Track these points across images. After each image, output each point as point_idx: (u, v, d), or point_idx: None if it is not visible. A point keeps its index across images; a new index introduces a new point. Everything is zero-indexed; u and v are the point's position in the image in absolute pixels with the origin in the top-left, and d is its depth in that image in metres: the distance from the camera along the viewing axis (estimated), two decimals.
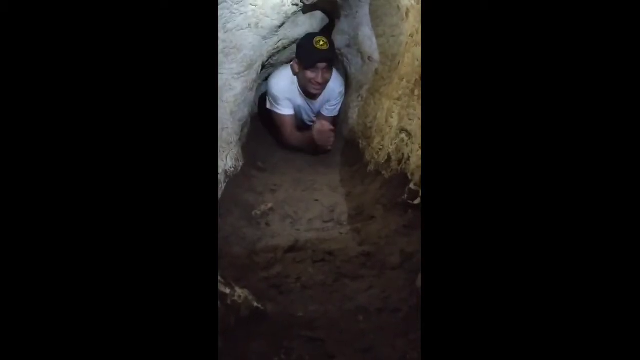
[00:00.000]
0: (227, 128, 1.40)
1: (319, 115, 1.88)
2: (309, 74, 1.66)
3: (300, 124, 1.95)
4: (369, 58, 1.56)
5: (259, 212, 1.16)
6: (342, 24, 1.67)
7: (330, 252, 0.89)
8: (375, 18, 1.45)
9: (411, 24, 1.16)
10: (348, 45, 1.69)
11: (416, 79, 1.07)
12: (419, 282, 0.70)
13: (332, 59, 1.69)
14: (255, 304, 0.61)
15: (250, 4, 1.38)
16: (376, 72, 1.53)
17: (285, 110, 1.81)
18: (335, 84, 1.79)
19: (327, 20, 1.78)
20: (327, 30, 1.79)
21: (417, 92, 1.08)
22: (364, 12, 1.49)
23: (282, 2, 1.43)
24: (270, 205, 1.21)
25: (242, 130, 1.57)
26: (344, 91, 1.85)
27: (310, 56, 1.61)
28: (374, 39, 1.51)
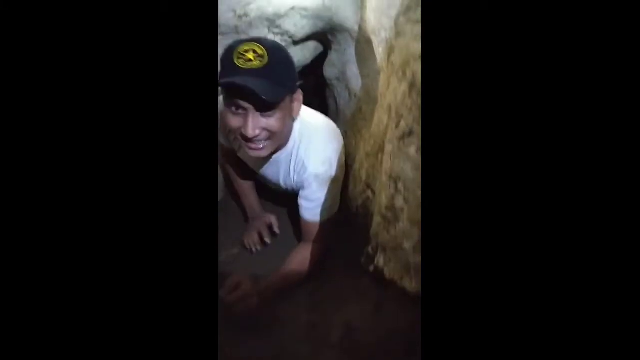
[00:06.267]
0: None
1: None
2: (230, 120, 0.92)
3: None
4: (355, 95, 1.56)
5: (224, 257, 1.19)
6: (333, 56, 1.67)
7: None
8: (360, 60, 1.44)
9: (385, 79, 1.15)
10: (338, 79, 1.69)
11: (382, 141, 1.07)
12: None
13: (267, 90, 0.84)
14: None
15: (234, 35, 1.39)
16: (360, 110, 1.53)
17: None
18: (308, 159, 1.04)
19: (320, 49, 1.77)
20: (320, 60, 1.78)
21: (386, 148, 1.08)
22: (351, 51, 1.49)
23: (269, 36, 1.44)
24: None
25: None
26: (337, 157, 1.10)
27: (227, 82, 0.84)
28: (359, 79, 1.51)
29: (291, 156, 1.09)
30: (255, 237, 1.22)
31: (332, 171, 1.10)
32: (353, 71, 1.53)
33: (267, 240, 1.22)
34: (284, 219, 1.36)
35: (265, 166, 1.15)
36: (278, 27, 1.37)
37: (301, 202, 1.13)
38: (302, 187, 1.11)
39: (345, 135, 1.66)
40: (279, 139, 0.99)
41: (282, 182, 1.19)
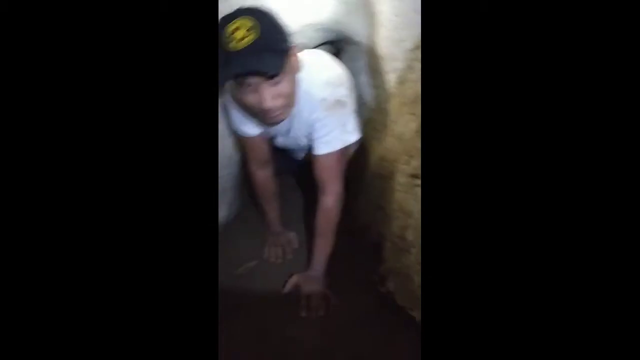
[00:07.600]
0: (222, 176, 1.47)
1: (312, 157, 1.11)
2: (246, 98, 0.93)
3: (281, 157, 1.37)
4: (366, 104, 1.57)
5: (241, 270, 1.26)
6: (345, 63, 1.67)
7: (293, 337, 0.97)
8: (371, 71, 1.45)
9: (396, 105, 1.17)
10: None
11: (393, 167, 1.09)
12: None
13: (269, 63, 0.85)
14: None
15: None
16: (371, 119, 1.54)
17: (249, 129, 1.16)
18: (310, 86, 1.01)
19: (333, 51, 1.77)
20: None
21: (397, 177, 1.11)
22: (361, 62, 1.49)
23: None
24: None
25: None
26: (340, 81, 1.08)
27: (228, 66, 0.83)
28: (371, 88, 1.52)
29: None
30: (280, 252, 1.34)
31: (338, 93, 1.06)
32: (364, 80, 1.54)
33: (289, 256, 1.33)
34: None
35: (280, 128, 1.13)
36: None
37: (318, 140, 1.07)
38: (314, 126, 1.06)
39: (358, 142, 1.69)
40: (293, 100, 1.00)
41: (301, 139, 1.16)
